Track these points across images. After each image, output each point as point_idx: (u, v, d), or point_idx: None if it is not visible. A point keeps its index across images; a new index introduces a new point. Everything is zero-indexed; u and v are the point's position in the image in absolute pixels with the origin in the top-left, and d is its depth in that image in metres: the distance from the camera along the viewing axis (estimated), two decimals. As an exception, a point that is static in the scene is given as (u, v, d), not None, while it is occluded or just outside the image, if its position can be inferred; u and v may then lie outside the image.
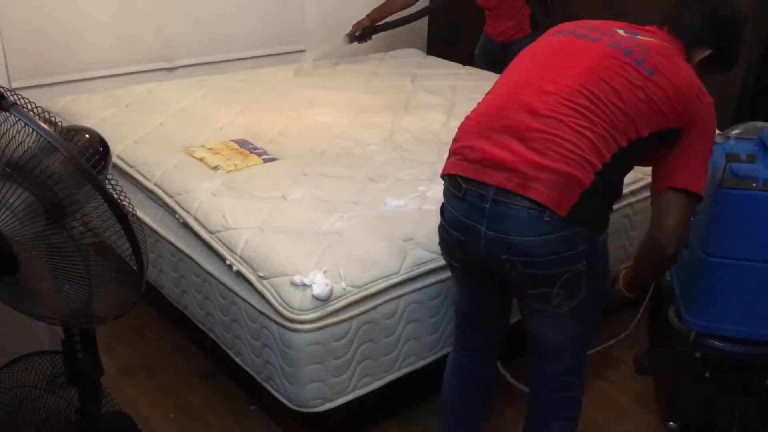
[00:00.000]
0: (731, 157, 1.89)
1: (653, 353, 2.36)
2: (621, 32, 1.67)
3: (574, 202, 1.47)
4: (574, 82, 1.54)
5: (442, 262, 1.95)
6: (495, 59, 3.72)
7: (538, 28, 3.41)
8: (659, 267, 1.78)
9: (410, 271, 1.92)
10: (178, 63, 3.52)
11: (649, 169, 1.70)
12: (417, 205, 2.14)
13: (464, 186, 1.55)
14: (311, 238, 1.95)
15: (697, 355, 1.95)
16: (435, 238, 1.98)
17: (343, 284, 1.80)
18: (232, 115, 2.84)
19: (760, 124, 2.16)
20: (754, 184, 1.81)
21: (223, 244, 1.99)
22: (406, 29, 4.22)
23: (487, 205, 1.52)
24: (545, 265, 1.52)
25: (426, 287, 1.94)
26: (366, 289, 1.83)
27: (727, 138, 2.08)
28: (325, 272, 1.80)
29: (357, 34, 3.66)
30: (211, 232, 2.04)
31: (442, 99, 3.14)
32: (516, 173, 1.49)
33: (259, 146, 2.53)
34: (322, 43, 3.86)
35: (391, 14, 3.71)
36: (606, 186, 1.53)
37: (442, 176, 1.66)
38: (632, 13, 3.34)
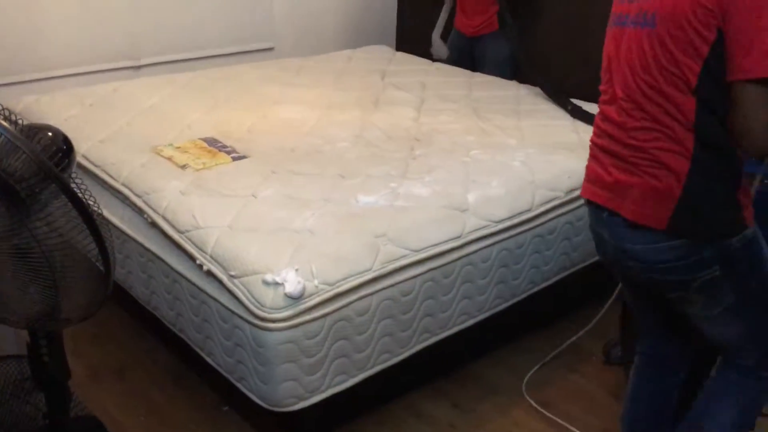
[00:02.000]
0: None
1: (624, 342, 2.38)
2: None
3: (669, 214, 1.45)
4: (621, 84, 1.52)
5: (414, 258, 1.96)
6: (463, 53, 3.75)
7: (505, 26, 3.44)
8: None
9: (382, 268, 1.91)
10: (144, 61, 3.46)
11: None
12: (388, 201, 2.13)
13: (585, 198, 1.68)
14: (282, 236, 1.94)
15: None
16: (408, 235, 1.99)
17: (316, 282, 1.79)
18: (200, 113, 2.81)
19: None
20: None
21: (193, 243, 1.96)
22: (375, 25, 4.23)
23: (605, 214, 1.59)
24: (666, 272, 1.52)
25: (399, 283, 1.94)
26: (338, 287, 1.81)
27: None
28: (297, 270, 1.78)
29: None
30: (180, 232, 2.01)
31: (411, 95, 3.14)
32: (612, 191, 1.55)
33: (228, 144, 2.50)
34: (289, 40, 3.86)
35: None
36: (707, 179, 1.43)
37: None
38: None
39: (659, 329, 1.79)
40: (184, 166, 2.31)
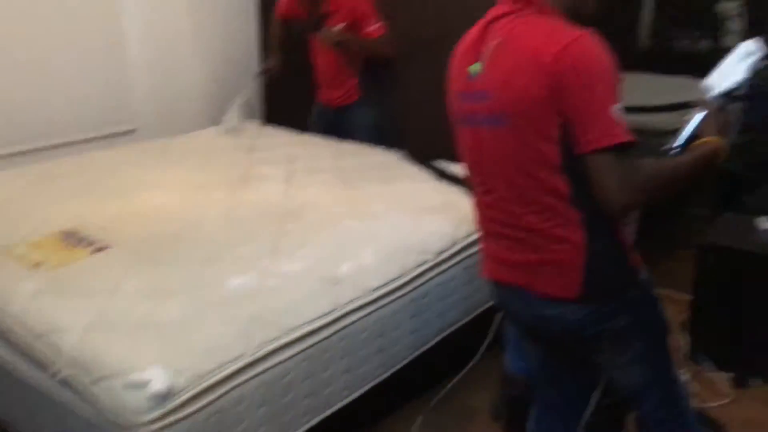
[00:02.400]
0: None
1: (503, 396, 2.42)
2: (475, 69, 1.57)
3: (579, 283, 1.53)
4: (498, 177, 1.59)
5: (288, 338, 1.91)
6: (330, 125, 3.79)
7: (367, 94, 3.51)
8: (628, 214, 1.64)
9: (256, 352, 1.84)
10: (-5, 154, 3.26)
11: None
12: (259, 281, 2.08)
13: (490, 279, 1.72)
14: (147, 331, 1.84)
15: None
16: (280, 314, 1.94)
17: (184, 377, 1.70)
18: (57, 205, 2.66)
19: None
20: None
21: (48, 349, 1.82)
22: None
23: (515, 288, 1.64)
24: (580, 329, 1.59)
25: (274, 366, 1.87)
26: (209, 378, 1.73)
27: None
28: (163, 367, 1.69)
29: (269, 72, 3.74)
30: (34, 337, 1.87)
31: (280, 169, 3.12)
32: (520, 271, 1.61)
33: (87, 236, 2.38)
34: (152, 121, 3.77)
35: (276, 42, 3.77)
36: (601, 242, 1.52)
37: None
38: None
39: (562, 379, 1.87)
40: (37, 265, 2.17)
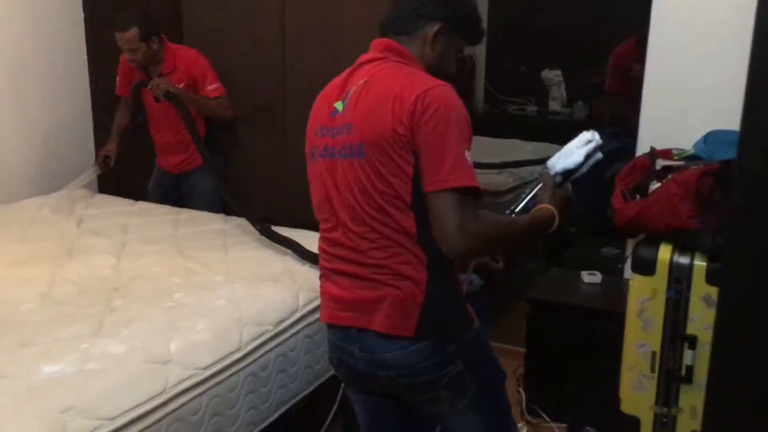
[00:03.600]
0: None
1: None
2: (339, 107, 1.63)
3: (415, 322, 1.57)
4: (346, 211, 1.62)
5: (109, 427, 1.76)
6: (169, 191, 3.67)
7: (210, 159, 3.44)
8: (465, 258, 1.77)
9: (71, 447, 1.69)
10: None
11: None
12: (77, 366, 1.92)
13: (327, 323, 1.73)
14: (-59, 432, 1.63)
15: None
16: (100, 402, 1.79)
17: (-16, 482, 1.52)
18: None
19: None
20: None
21: None
22: (72, 167, 3.98)
23: (354, 331, 1.64)
24: (419, 374, 1.61)
25: (93, 460, 1.72)
26: (14, 483, 1.56)
27: None
28: (-43, 473, 1.50)
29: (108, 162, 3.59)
30: None
31: (111, 240, 2.96)
32: (358, 311, 1.62)
33: None
34: None
35: (122, 130, 3.65)
36: (441, 280, 1.59)
37: None
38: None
39: None
40: None
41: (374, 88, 1.58)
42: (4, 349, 2.00)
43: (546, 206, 1.70)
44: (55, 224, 3.17)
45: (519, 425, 2.72)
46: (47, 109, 3.85)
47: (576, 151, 1.82)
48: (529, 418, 2.84)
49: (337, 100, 1.65)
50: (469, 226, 1.48)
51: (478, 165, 4.10)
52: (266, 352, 2.28)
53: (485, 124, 6.17)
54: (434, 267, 1.58)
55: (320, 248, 1.74)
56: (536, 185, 1.85)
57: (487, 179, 4.12)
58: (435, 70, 1.66)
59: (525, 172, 4.41)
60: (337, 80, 1.70)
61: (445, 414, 1.71)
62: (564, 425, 2.79)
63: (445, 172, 1.48)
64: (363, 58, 1.68)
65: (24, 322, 2.19)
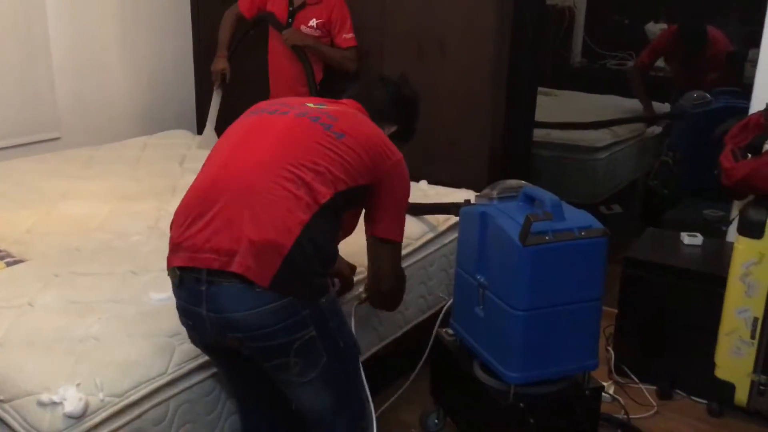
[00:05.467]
0: (534, 217, 1.91)
1: (449, 411, 2.41)
2: (310, 105, 1.80)
3: (274, 272, 1.54)
4: (267, 152, 1.65)
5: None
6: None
7: None
8: (386, 301, 2.02)
9: (178, 369, 1.78)
10: None
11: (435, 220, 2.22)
12: (184, 295, 2.02)
13: (179, 273, 1.63)
14: (62, 347, 1.75)
15: (522, 405, 2.01)
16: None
17: (101, 395, 1.62)
18: (-31, 215, 2.53)
19: (512, 182, 2.29)
20: (547, 238, 1.91)
21: (-46, 368, 1.72)
22: (173, 109, 4.12)
23: (203, 288, 1.58)
24: (269, 337, 1.57)
25: (198, 384, 1.81)
26: (128, 397, 1.66)
27: (491, 199, 2.14)
28: (78, 385, 1.61)
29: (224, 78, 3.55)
30: (-62, 357, 1.76)
31: (211, 180, 3.05)
32: (219, 251, 1.55)
33: (1, 249, 2.27)
34: (77, 128, 3.64)
35: (229, 39, 3.55)
36: (312, 249, 1.59)
37: (167, 269, 1.68)
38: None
39: (259, 408, 1.86)
40: (-53, 279, 2.05)
41: (361, 118, 1.82)
42: (117, 276, 2.12)
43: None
44: (160, 163, 3.30)
45: (606, 384, 2.69)
46: (152, 53, 3.99)
47: None
48: (617, 377, 2.81)
49: (307, 102, 1.82)
50: (394, 270, 1.91)
51: (571, 125, 4.03)
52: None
53: (581, 79, 6.00)
54: (316, 227, 1.60)
55: (195, 187, 1.74)
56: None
57: (579, 135, 4.02)
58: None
59: (623, 129, 4.27)
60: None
61: (294, 384, 1.67)
62: (653, 387, 2.74)
63: (386, 225, 1.83)
64: (328, 101, 1.89)
65: (134, 252, 2.31)
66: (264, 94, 3.51)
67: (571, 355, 2.07)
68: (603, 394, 2.55)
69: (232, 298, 1.56)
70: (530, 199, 2.10)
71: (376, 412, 2.42)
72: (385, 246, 1.84)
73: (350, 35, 3.36)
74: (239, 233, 1.55)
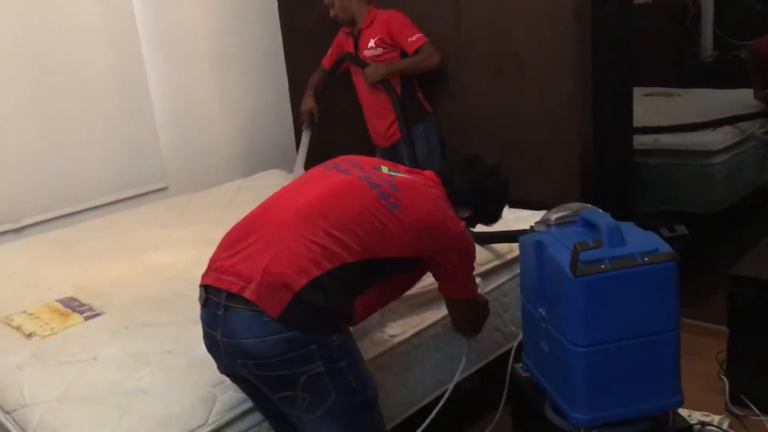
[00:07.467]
0: (582, 246, 1.77)
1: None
2: (384, 169, 1.84)
3: (284, 305, 1.56)
4: (308, 203, 1.71)
5: (249, 402, 1.84)
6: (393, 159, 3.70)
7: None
8: (467, 331, 2.20)
9: (219, 419, 1.79)
10: (26, 222, 3.37)
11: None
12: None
13: (205, 294, 1.69)
14: (112, 401, 1.81)
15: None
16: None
17: (139, 449, 1.66)
18: (65, 271, 2.70)
19: (574, 205, 2.13)
20: (602, 266, 1.77)
21: (17, 424, 1.83)
22: (272, 151, 4.25)
23: (220, 312, 1.63)
24: (275, 366, 1.59)
25: (239, 433, 1.81)
26: (165, 451, 1.69)
27: (548, 225, 2.04)
28: (117, 441, 1.66)
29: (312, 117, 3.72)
30: (6, 412, 1.88)
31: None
32: (241, 276, 1.62)
33: (85, 302, 2.40)
34: (182, 177, 3.83)
35: (321, 82, 3.72)
36: (323, 299, 1.61)
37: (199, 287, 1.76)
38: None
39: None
40: (30, 335, 2.20)
41: (425, 192, 1.83)
42: (177, 325, 2.18)
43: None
44: (252, 205, 3.37)
45: (720, 417, 2.39)
46: (249, 96, 4.15)
47: None
48: (734, 409, 2.49)
49: (381, 166, 1.86)
50: (468, 319, 2.18)
51: (680, 127, 3.67)
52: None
53: (713, 74, 5.51)
54: (337, 277, 1.63)
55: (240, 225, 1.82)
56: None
57: (692, 138, 3.67)
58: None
59: (747, 125, 3.85)
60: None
61: (304, 421, 1.65)
62: (775, 420, 2.41)
63: (460, 285, 2.01)
64: (408, 170, 1.93)
65: (200, 299, 2.36)
66: (358, 121, 3.67)
67: (648, 393, 1.86)
68: (710, 427, 2.29)
69: (243, 324, 1.60)
70: (589, 224, 1.92)
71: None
72: (454, 303, 2.04)
73: (416, 36, 3.36)
74: (260, 263, 1.61)
